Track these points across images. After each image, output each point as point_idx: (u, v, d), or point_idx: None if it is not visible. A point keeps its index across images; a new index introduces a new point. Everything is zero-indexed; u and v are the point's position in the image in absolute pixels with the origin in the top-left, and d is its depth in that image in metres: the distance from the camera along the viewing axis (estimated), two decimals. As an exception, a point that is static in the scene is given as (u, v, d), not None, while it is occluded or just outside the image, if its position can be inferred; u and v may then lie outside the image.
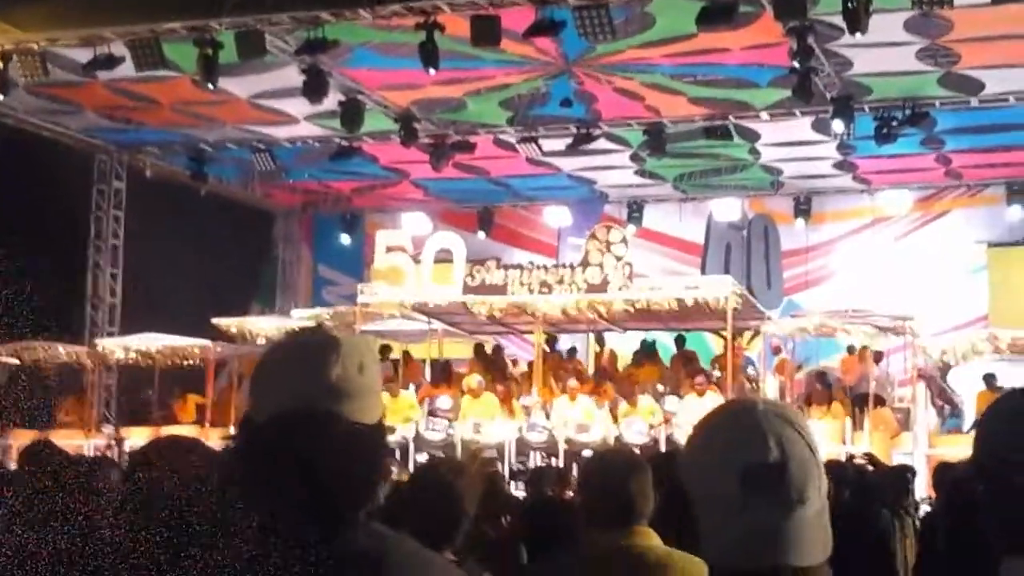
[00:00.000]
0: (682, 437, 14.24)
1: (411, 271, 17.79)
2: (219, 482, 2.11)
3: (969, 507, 2.72)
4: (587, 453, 16.04)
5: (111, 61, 15.41)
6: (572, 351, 21.17)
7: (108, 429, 19.70)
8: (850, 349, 19.16)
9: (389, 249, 18.08)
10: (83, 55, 15.76)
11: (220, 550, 1.99)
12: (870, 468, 9.54)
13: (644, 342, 20.61)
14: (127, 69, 15.43)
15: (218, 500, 2.14)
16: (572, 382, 17.65)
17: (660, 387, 18.55)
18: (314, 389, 2.02)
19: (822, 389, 17.71)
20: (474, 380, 17.89)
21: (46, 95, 18.03)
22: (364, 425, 2.06)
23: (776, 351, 19.58)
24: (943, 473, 7.69)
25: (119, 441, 17.74)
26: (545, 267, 17.67)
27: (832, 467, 8.27)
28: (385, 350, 21.10)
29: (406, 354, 21.08)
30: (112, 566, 2.97)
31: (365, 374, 2.07)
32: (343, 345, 2.07)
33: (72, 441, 17.66)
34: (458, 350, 21.09)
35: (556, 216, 23.90)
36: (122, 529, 3.13)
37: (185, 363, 19.91)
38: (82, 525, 3.91)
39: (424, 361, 20.61)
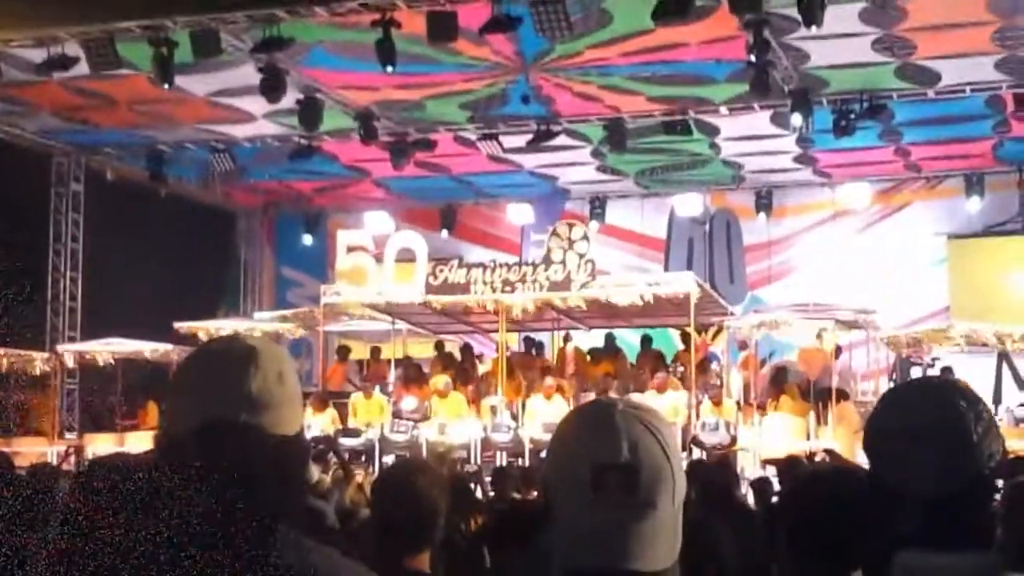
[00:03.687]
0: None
1: (374, 271, 17.73)
2: (140, 496, 2.06)
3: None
4: (544, 454, 16.03)
5: (66, 61, 15.27)
6: (540, 346, 21.18)
7: (71, 435, 19.57)
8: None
9: (350, 249, 18.03)
10: (37, 55, 15.60)
11: (144, 565, 1.95)
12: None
13: (608, 337, 20.62)
14: (82, 68, 15.31)
15: (140, 513, 2.09)
16: (549, 380, 17.59)
17: (615, 383, 18.51)
18: (232, 400, 1.98)
19: (776, 385, 17.74)
20: (441, 381, 17.84)
21: (0, 96, 17.84)
22: (284, 436, 2.01)
23: (742, 347, 19.62)
24: (795, 467, 7.79)
25: (78, 449, 17.60)
26: (507, 265, 17.61)
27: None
28: (343, 351, 20.99)
29: (374, 351, 21.00)
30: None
31: (284, 384, 2.03)
32: (261, 355, 2.03)
33: (35, 448, 17.56)
34: (423, 349, 21.04)
35: (519, 213, 23.87)
36: (58, 542, 3.08)
37: (147, 367, 19.76)
38: (25, 532, 3.86)
39: (389, 361, 20.56)
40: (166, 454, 2.02)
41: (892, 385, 18.11)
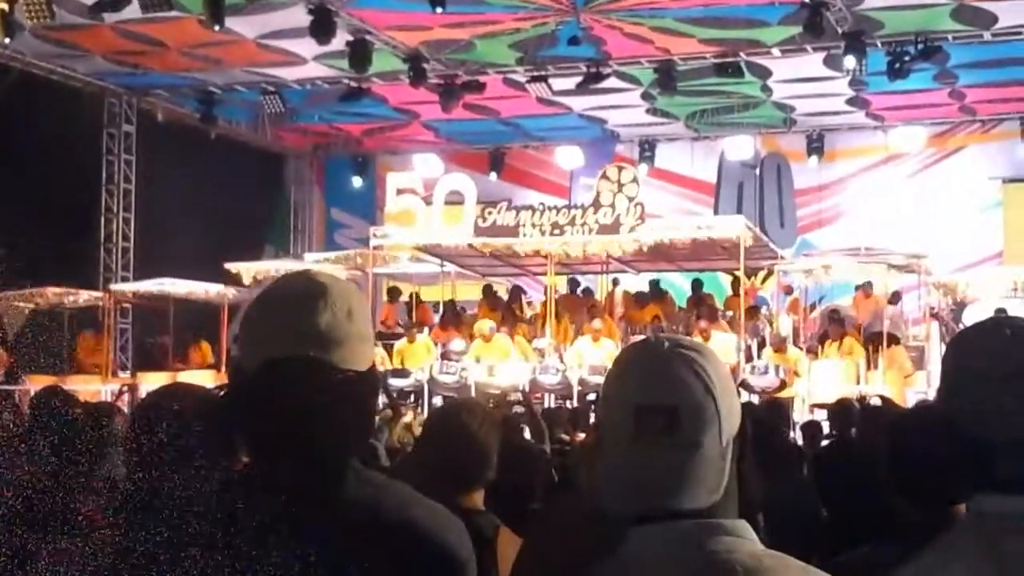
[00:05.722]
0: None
1: (422, 213, 17.76)
2: (212, 431, 2.08)
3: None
4: (592, 397, 16.13)
5: (117, 3, 15.31)
6: (587, 291, 21.15)
7: (124, 374, 19.79)
8: (859, 287, 19.09)
9: (400, 191, 18.08)
10: (89, -4, 15.68)
11: (215, 500, 1.98)
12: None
13: (652, 282, 20.59)
14: (134, 11, 15.35)
15: (211, 449, 2.11)
16: (596, 323, 17.57)
17: (663, 326, 18.50)
18: (303, 336, 1.99)
19: (835, 327, 17.61)
20: (486, 326, 17.83)
21: (53, 39, 17.94)
22: (354, 372, 2.03)
23: (787, 291, 19.53)
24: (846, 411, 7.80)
25: (132, 387, 17.80)
26: (556, 208, 17.59)
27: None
28: (394, 292, 21.10)
29: (416, 296, 21.10)
30: (111, 510, 2.98)
31: (354, 320, 2.04)
32: (331, 291, 2.04)
33: (89, 386, 17.75)
34: (471, 291, 21.11)
35: (568, 156, 23.78)
36: (123, 476, 3.14)
37: (198, 306, 19.94)
38: (86, 470, 3.93)
39: (438, 303, 20.65)
40: (236, 388, 2.04)
41: (942, 331, 18.00)
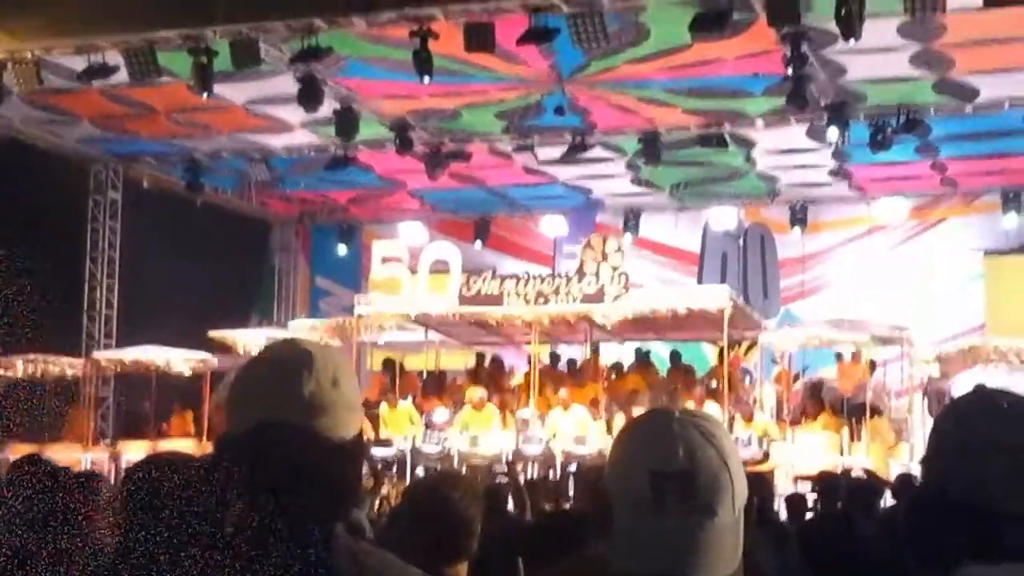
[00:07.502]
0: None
1: (407, 281, 17.76)
2: (198, 498, 2.09)
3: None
4: (572, 468, 16.08)
5: (106, 70, 15.40)
6: (572, 362, 21.08)
7: (105, 442, 19.64)
8: (839, 356, 19.11)
9: (385, 260, 18.09)
10: (78, 63, 15.73)
11: (200, 568, 1.97)
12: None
13: (638, 352, 20.57)
14: (122, 76, 15.43)
15: (198, 517, 2.11)
16: (563, 392, 17.58)
17: (647, 396, 18.45)
18: (288, 404, 2.01)
19: (813, 401, 17.64)
20: (476, 394, 17.79)
21: (41, 104, 17.99)
22: (339, 440, 2.04)
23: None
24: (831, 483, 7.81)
25: (114, 456, 17.68)
26: (540, 277, 17.62)
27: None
28: (389, 364, 20.91)
29: (400, 365, 20.99)
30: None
31: (339, 388, 2.06)
32: (316, 360, 2.06)
33: (70, 455, 17.60)
34: (455, 360, 21.05)
35: (552, 225, 23.89)
36: (108, 542, 3.10)
37: (181, 375, 19.83)
38: (65, 537, 3.88)
39: (421, 372, 20.56)
40: (222, 455, 2.06)
41: (927, 402, 18.00)
